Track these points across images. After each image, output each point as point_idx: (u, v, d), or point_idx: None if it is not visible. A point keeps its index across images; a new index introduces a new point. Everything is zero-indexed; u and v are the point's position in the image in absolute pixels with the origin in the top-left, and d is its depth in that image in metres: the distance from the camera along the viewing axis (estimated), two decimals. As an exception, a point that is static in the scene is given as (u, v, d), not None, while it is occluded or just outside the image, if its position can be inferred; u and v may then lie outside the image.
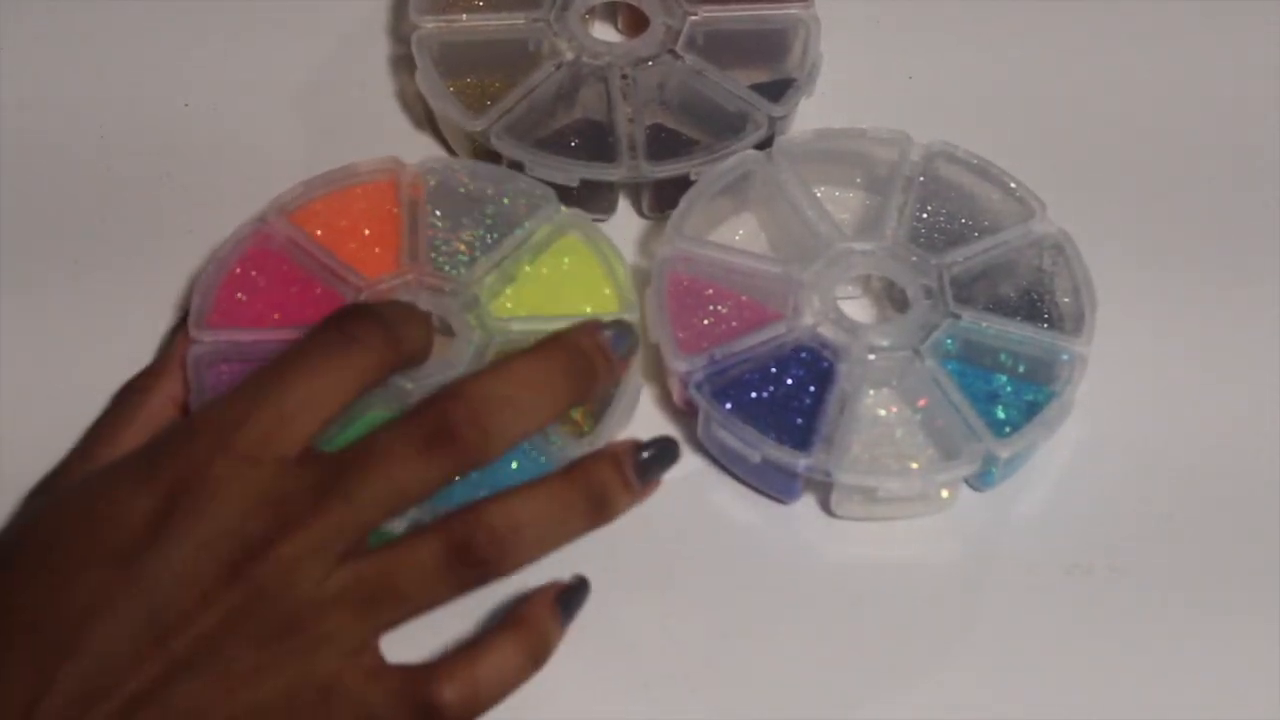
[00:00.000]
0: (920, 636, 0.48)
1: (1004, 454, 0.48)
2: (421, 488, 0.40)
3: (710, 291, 0.51)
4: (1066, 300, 0.52)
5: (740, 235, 0.55)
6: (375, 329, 0.42)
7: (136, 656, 0.37)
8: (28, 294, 0.53)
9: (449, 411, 0.40)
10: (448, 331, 0.50)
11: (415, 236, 0.52)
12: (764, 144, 0.56)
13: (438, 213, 0.53)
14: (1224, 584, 0.49)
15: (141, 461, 0.40)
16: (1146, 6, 0.65)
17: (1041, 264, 0.53)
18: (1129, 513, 0.50)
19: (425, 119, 0.59)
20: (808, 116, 0.58)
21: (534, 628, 0.42)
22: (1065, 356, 0.50)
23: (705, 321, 0.51)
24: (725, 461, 0.50)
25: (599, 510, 0.42)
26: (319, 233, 0.52)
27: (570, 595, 0.43)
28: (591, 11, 0.60)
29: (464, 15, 0.58)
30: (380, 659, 0.40)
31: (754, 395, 0.49)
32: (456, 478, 0.41)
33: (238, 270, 0.51)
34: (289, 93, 0.60)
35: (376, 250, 0.52)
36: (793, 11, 0.59)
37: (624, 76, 0.57)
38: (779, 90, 0.57)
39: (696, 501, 0.50)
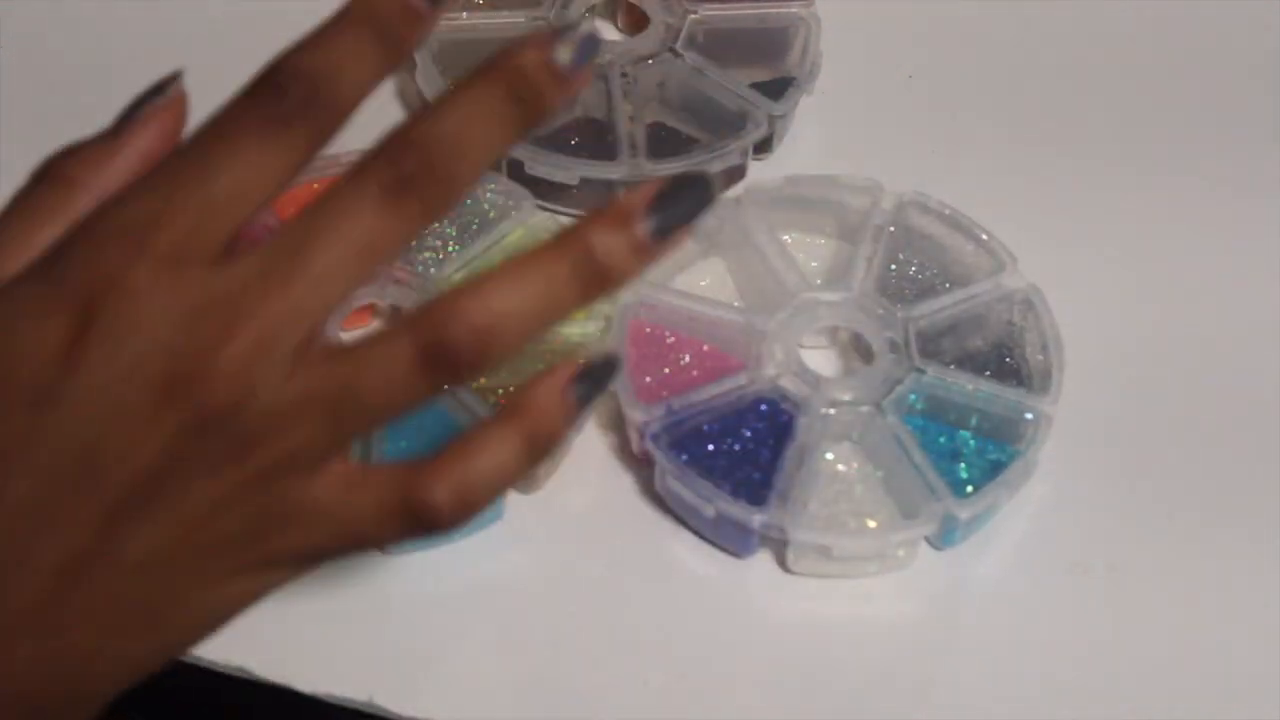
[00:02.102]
0: (920, 635, 0.48)
1: (964, 515, 0.47)
2: (387, 245, 0.33)
3: (671, 340, 0.51)
4: (1040, 357, 0.50)
5: (705, 283, 0.53)
6: (307, 95, 0.34)
7: (66, 509, 0.32)
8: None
9: (401, 160, 0.34)
10: None
11: None
12: (764, 143, 0.56)
13: None
14: (1224, 583, 0.49)
15: (41, 281, 0.33)
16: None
17: (1012, 318, 0.51)
18: (1129, 513, 0.50)
19: (426, 117, 0.59)
20: (808, 115, 0.58)
21: (538, 417, 0.35)
22: (1029, 416, 0.49)
23: (665, 370, 0.50)
24: (681, 514, 0.49)
25: (598, 279, 0.33)
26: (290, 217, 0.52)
27: (589, 376, 0.35)
28: (591, 9, 0.60)
29: (464, 14, 0.58)
30: (354, 465, 0.34)
31: (710, 448, 0.48)
32: (419, 232, 0.34)
33: None
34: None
35: None
36: (793, 10, 0.58)
37: (624, 75, 0.57)
38: (779, 89, 0.57)
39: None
